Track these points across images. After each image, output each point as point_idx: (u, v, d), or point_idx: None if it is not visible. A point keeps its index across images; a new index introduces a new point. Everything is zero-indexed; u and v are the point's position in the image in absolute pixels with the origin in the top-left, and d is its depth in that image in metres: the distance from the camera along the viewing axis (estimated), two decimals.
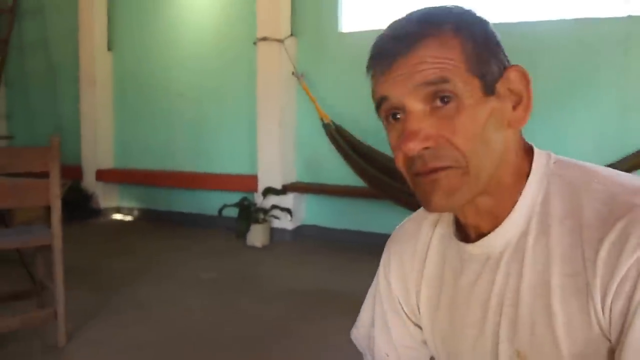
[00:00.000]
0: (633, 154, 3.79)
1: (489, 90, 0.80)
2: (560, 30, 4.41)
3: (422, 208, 0.98)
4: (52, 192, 2.82)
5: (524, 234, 0.83)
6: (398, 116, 0.82)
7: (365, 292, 1.11)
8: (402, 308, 1.03)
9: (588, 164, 0.85)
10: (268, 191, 5.30)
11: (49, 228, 2.88)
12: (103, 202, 6.71)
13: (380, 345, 1.05)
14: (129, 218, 6.68)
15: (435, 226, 0.99)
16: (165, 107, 6.38)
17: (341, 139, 4.90)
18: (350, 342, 1.14)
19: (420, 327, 1.02)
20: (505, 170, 0.83)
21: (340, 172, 5.07)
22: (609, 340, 0.75)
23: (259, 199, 5.39)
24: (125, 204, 6.80)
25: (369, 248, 3.89)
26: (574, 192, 0.80)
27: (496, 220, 0.85)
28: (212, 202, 5.70)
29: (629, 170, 3.65)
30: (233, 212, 5.26)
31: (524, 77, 0.83)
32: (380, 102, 0.83)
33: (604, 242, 0.74)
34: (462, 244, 0.91)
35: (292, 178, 5.53)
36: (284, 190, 5.34)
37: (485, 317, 0.87)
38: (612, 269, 0.72)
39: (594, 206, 0.77)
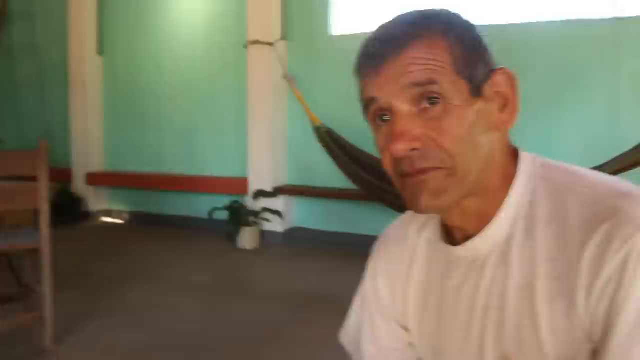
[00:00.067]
0: (622, 155, 3.81)
1: (476, 92, 0.80)
2: (549, 32, 4.45)
3: (409, 211, 0.98)
4: (40, 196, 2.80)
5: (510, 237, 0.83)
6: (385, 118, 0.82)
7: (355, 295, 1.11)
8: (389, 311, 1.03)
9: (574, 167, 0.85)
10: (259, 194, 5.30)
11: (38, 231, 2.86)
12: (93, 205, 6.67)
13: (368, 348, 1.05)
14: (119, 221, 6.65)
15: (422, 229, 0.99)
16: (156, 111, 6.36)
17: (332, 141, 4.91)
18: (340, 345, 1.14)
19: (407, 330, 1.02)
20: (492, 172, 0.83)
21: (331, 175, 5.07)
22: (592, 342, 0.75)
23: (249, 202, 5.39)
24: (116, 207, 6.77)
25: (359, 250, 3.88)
26: (559, 194, 0.81)
27: (482, 223, 0.85)
28: (203, 205, 5.68)
29: (618, 172, 3.67)
30: (224, 215, 5.25)
31: (511, 80, 0.83)
32: (368, 104, 0.83)
33: (588, 244, 0.74)
34: (449, 247, 0.91)
35: (282, 181, 5.52)
36: (275, 193, 5.34)
37: (472, 319, 0.88)
38: (596, 271, 0.73)
39: (579, 209, 0.77)
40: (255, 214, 5.25)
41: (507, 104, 0.83)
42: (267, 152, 5.42)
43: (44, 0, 7.14)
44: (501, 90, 0.83)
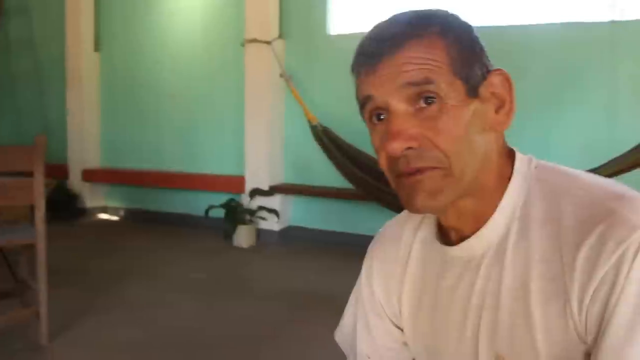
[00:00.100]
0: (620, 156, 3.82)
1: (472, 92, 0.80)
2: (548, 34, 4.46)
3: (404, 211, 0.99)
4: (36, 191, 2.80)
5: (505, 237, 0.83)
6: (382, 117, 0.82)
7: (351, 294, 1.11)
8: (384, 310, 1.03)
9: (569, 169, 0.86)
10: (255, 192, 5.30)
11: (33, 227, 2.86)
12: (89, 202, 6.66)
13: (362, 347, 1.05)
14: (115, 218, 6.64)
15: (418, 229, 0.99)
16: (153, 108, 6.35)
17: (328, 141, 4.90)
18: (335, 343, 1.15)
19: (401, 329, 1.02)
20: (488, 172, 0.84)
21: (328, 174, 5.07)
22: (586, 344, 0.75)
23: (246, 200, 5.39)
24: (112, 203, 6.77)
25: (355, 249, 3.88)
26: (554, 196, 0.81)
27: (477, 223, 0.86)
28: (199, 203, 5.68)
29: (616, 173, 3.67)
30: (220, 213, 5.25)
31: (507, 82, 0.84)
32: (364, 102, 0.83)
33: (582, 246, 0.74)
34: (444, 247, 0.91)
35: (279, 179, 5.52)
36: (271, 191, 5.34)
37: (466, 319, 0.88)
38: (590, 272, 0.73)
39: (574, 210, 0.78)
40: (252, 212, 5.26)
41: (503, 105, 0.84)
42: (264, 150, 5.42)
43: None
44: (497, 91, 0.83)
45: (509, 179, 0.85)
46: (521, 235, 0.82)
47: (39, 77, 7.15)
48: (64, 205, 6.19)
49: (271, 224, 5.35)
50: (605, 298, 0.72)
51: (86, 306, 3.51)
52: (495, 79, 0.83)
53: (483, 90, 0.82)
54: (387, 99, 0.80)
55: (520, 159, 0.87)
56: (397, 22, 0.83)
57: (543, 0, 4.57)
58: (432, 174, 0.79)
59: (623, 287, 0.70)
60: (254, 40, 5.32)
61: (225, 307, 3.60)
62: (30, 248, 2.94)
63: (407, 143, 0.78)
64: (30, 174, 2.79)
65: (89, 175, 6.62)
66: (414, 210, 0.83)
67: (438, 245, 0.93)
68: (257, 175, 5.41)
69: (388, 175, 0.85)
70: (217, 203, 5.29)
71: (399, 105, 0.79)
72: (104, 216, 6.68)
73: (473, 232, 0.86)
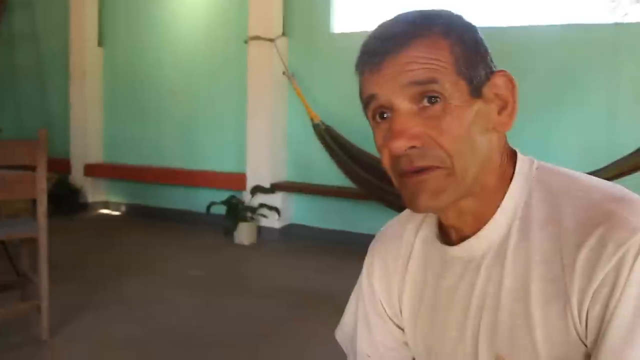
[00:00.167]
0: (621, 159, 3.81)
1: (475, 93, 0.81)
2: (549, 35, 4.46)
3: (406, 210, 0.99)
4: (38, 186, 2.81)
5: (505, 238, 0.84)
6: (385, 116, 0.82)
7: (351, 293, 1.11)
8: (385, 310, 1.03)
9: (569, 171, 0.86)
10: (256, 190, 5.30)
11: (35, 221, 2.87)
12: (91, 197, 6.67)
13: (362, 346, 1.05)
14: (116, 213, 6.65)
15: (419, 228, 0.99)
16: (156, 104, 6.35)
17: (331, 139, 4.91)
18: (336, 342, 1.15)
19: (402, 329, 1.02)
20: (489, 173, 0.84)
21: (329, 173, 5.07)
22: (585, 345, 0.76)
23: (247, 197, 5.39)
24: (113, 198, 6.77)
25: (356, 249, 3.89)
26: (554, 197, 0.81)
27: (478, 223, 0.86)
28: (200, 199, 5.69)
29: (616, 176, 3.67)
30: (221, 210, 5.25)
31: (510, 83, 0.84)
32: (368, 101, 0.83)
33: (582, 248, 0.75)
34: (445, 247, 0.92)
35: (281, 177, 5.53)
36: (273, 189, 5.34)
37: (466, 320, 0.88)
38: (590, 274, 0.73)
39: (574, 212, 0.78)
40: (253, 209, 5.26)
41: (505, 106, 0.84)
42: (266, 148, 5.42)
43: None
44: (500, 92, 0.83)
45: (511, 179, 0.85)
46: (522, 236, 0.82)
47: (41, 72, 7.16)
48: (65, 200, 6.19)
49: (272, 221, 5.35)
50: (606, 300, 0.72)
51: (85, 301, 3.52)
52: (498, 80, 0.83)
53: (486, 91, 0.82)
54: (390, 98, 0.80)
55: (521, 160, 0.87)
56: (401, 21, 0.83)
57: (544, 1, 4.57)
58: (435, 173, 0.80)
59: (623, 289, 0.71)
60: (257, 38, 5.32)
61: (224, 304, 3.61)
62: (32, 241, 2.95)
63: (410, 142, 0.79)
64: (32, 168, 2.79)
65: (91, 170, 6.62)
66: (417, 209, 0.83)
67: (439, 244, 0.93)
68: (259, 172, 5.42)
69: (391, 173, 0.85)
70: (218, 200, 5.29)
71: (402, 104, 0.79)
72: (105, 211, 6.69)
73: (473, 232, 0.87)
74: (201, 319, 3.34)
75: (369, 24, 4.99)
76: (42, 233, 2.85)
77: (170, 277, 4.15)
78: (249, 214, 5.25)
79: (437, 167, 0.79)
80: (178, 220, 6.08)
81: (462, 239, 0.88)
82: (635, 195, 0.78)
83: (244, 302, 3.65)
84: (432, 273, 0.95)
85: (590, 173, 3.58)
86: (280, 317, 3.40)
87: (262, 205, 5.24)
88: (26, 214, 3.82)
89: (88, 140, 6.69)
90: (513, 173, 0.86)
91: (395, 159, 0.81)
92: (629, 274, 0.70)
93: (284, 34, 5.43)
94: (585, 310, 0.74)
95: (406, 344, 1.03)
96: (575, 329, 0.75)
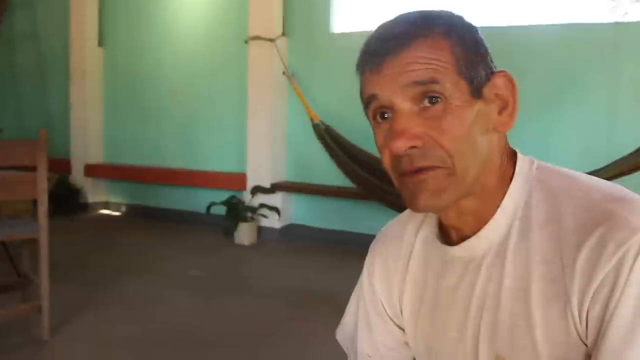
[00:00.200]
0: (621, 159, 3.81)
1: (476, 93, 0.81)
2: (549, 35, 4.46)
3: (406, 210, 0.99)
4: (39, 186, 2.81)
5: (506, 239, 0.84)
6: (386, 116, 0.82)
7: (351, 293, 1.11)
8: (385, 310, 1.03)
9: (569, 171, 0.86)
10: (256, 190, 5.31)
11: (36, 222, 2.87)
12: (91, 197, 6.68)
13: (363, 346, 1.05)
14: (116, 213, 6.65)
15: (419, 228, 0.99)
16: (156, 104, 6.36)
17: (330, 139, 4.91)
18: (336, 342, 1.15)
19: (402, 329, 1.02)
20: (490, 173, 0.84)
21: (329, 173, 5.08)
22: (586, 345, 0.76)
23: (247, 198, 5.39)
24: (114, 199, 6.78)
25: (356, 249, 3.89)
26: (555, 198, 0.81)
27: (478, 223, 0.86)
28: (200, 200, 5.69)
29: (617, 176, 3.67)
30: (221, 210, 5.25)
31: (511, 83, 0.84)
32: (369, 101, 0.84)
33: (582, 247, 0.75)
34: (445, 247, 0.92)
35: (281, 177, 5.53)
36: (273, 189, 5.34)
37: (466, 320, 0.88)
38: (590, 274, 0.73)
39: (574, 212, 0.78)
40: (253, 209, 5.26)
41: (506, 106, 0.84)
42: (266, 148, 5.43)
43: None
44: (501, 92, 0.84)
45: (511, 179, 0.85)
46: (522, 236, 0.82)
47: (42, 72, 7.17)
48: (65, 200, 6.20)
49: (272, 221, 5.35)
50: (606, 300, 0.72)
51: (86, 301, 3.52)
52: (499, 81, 0.84)
53: (487, 91, 0.82)
54: (391, 98, 0.80)
55: (521, 160, 0.87)
56: (402, 21, 0.83)
57: (544, 1, 4.57)
58: (436, 173, 0.80)
59: (623, 290, 0.71)
60: (257, 38, 5.32)
61: (225, 305, 3.61)
62: (32, 242, 2.95)
63: (411, 142, 0.79)
64: (32, 169, 2.79)
65: (91, 171, 6.63)
66: (417, 209, 0.83)
67: (439, 244, 0.94)
68: (259, 172, 5.42)
69: (391, 173, 0.85)
70: (218, 200, 5.29)
71: (403, 104, 0.79)
72: (105, 211, 6.70)
73: (473, 232, 0.87)
74: (201, 319, 3.34)
75: (369, 24, 5.00)
76: (42, 233, 2.85)
77: (171, 277, 4.16)
78: (249, 214, 5.26)
79: (438, 167, 0.79)
80: (178, 220, 6.08)
81: (462, 239, 0.88)
82: (635, 195, 0.78)
83: (244, 302, 3.65)
84: (433, 273, 0.95)
85: (590, 173, 3.57)
86: (281, 317, 3.40)
87: (262, 206, 5.24)
88: (27, 215, 3.83)
89: (88, 140, 6.69)
90: (513, 173, 0.86)
91: (396, 158, 0.81)
92: (629, 274, 0.71)
93: (284, 34, 5.43)
94: (586, 310, 0.74)
95: (407, 344, 1.03)
96: (576, 329, 0.76)
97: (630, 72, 4.23)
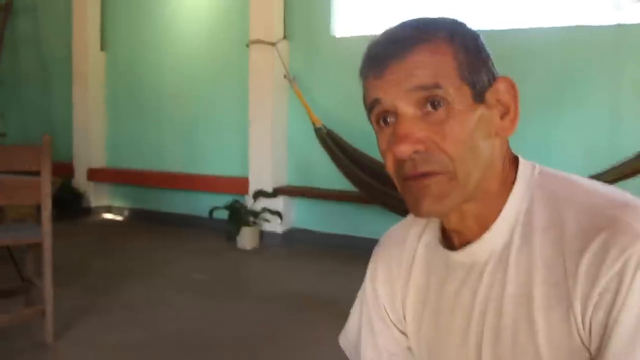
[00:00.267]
0: (623, 162, 3.81)
1: (478, 98, 0.81)
2: (550, 37, 4.45)
3: (409, 215, 0.99)
4: (43, 191, 2.82)
5: (508, 244, 0.84)
6: (389, 120, 0.83)
7: (353, 298, 1.11)
8: (388, 315, 1.03)
9: (571, 176, 0.86)
10: (259, 194, 5.31)
11: (40, 226, 2.88)
12: (94, 201, 6.69)
13: (366, 351, 1.05)
14: (119, 217, 6.66)
15: (422, 233, 0.99)
16: (158, 108, 6.37)
17: (332, 143, 4.91)
18: (339, 347, 1.15)
19: (405, 334, 1.02)
20: (492, 178, 0.85)
21: (331, 176, 5.08)
22: (589, 351, 0.76)
23: (249, 202, 5.40)
24: (116, 203, 6.79)
25: (358, 253, 3.90)
26: (557, 203, 0.82)
27: (480, 228, 0.86)
28: (203, 204, 5.69)
29: (618, 179, 3.67)
30: (224, 214, 5.26)
31: (513, 89, 0.85)
32: (372, 106, 0.84)
33: (585, 253, 0.75)
34: (448, 252, 0.92)
35: (283, 181, 5.53)
36: (275, 193, 5.35)
37: (469, 325, 0.88)
38: (593, 280, 0.74)
39: (577, 217, 0.78)
40: (255, 214, 5.27)
41: (508, 111, 0.85)
42: (268, 152, 5.43)
43: None
44: (503, 98, 0.84)
45: (513, 184, 0.86)
46: (524, 241, 0.83)
47: (45, 76, 7.19)
48: (69, 204, 6.21)
49: (274, 225, 5.36)
50: (609, 306, 0.72)
51: (89, 305, 3.53)
52: (501, 86, 0.84)
53: (489, 97, 0.83)
54: (395, 102, 0.80)
55: (523, 165, 0.88)
56: (405, 27, 0.84)
57: (545, 3, 4.57)
58: (438, 178, 0.80)
59: (626, 296, 0.71)
60: (259, 41, 5.33)
61: (227, 308, 3.61)
62: (36, 246, 2.96)
63: (414, 146, 0.79)
64: (35, 173, 2.81)
65: (94, 175, 6.64)
66: (420, 214, 0.84)
67: (441, 249, 0.94)
68: (261, 176, 5.42)
69: (394, 178, 0.85)
70: (220, 204, 5.30)
71: (407, 108, 0.80)
72: (108, 216, 6.70)
73: (475, 236, 0.87)
74: (203, 323, 3.34)
75: (370, 27, 5.02)
76: (46, 238, 2.86)
77: (173, 281, 4.16)
78: (251, 219, 5.26)
79: (440, 173, 0.80)
80: (181, 224, 6.08)
81: (465, 243, 0.89)
82: (638, 201, 0.78)
83: (246, 306, 3.65)
84: (436, 278, 0.95)
85: (593, 176, 3.57)
86: (283, 321, 3.40)
87: (264, 210, 5.25)
88: (31, 218, 3.84)
89: (91, 144, 6.71)
90: (515, 178, 0.86)
91: (399, 163, 0.82)
92: (631, 282, 0.71)
93: (285, 37, 5.44)
94: (589, 315, 0.74)
95: (410, 349, 1.03)
96: (579, 334, 0.76)
97: (632, 74, 4.22)
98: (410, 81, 0.79)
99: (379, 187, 4.43)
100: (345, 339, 1.12)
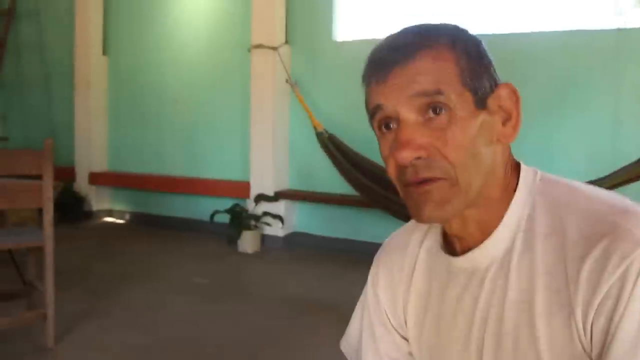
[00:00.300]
0: (625, 167, 3.80)
1: (480, 104, 0.82)
2: (551, 41, 4.46)
3: (411, 220, 1.00)
4: (44, 195, 2.83)
5: (509, 250, 0.84)
6: (391, 126, 0.83)
7: (355, 302, 1.11)
8: (389, 320, 1.03)
9: (573, 182, 0.86)
10: (260, 198, 5.32)
11: (41, 230, 2.88)
12: (95, 205, 6.69)
13: (367, 356, 1.05)
14: (120, 221, 6.66)
15: (424, 239, 1.00)
16: (160, 112, 6.38)
17: (334, 147, 4.91)
18: (340, 352, 1.15)
19: (406, 339, 1.03)
20: (493, 184, 0.85)
21: (333, 181, 5.08)
22: (590, 358, 0.76)
23: (250, 206, 5.40)
24: (118, 207, 6.79)
25: (360, 257, 3.91)
26: (558, 209, 0.82)
27: (482, 234, 0.86)
28: (204, 208, 5.70)
29: (621, 183, 3.66)
30: (225, 218, 5.26)
31: (515, 95, 0.85)
32: (374, 112, 0.84)
33: (587, 259, 0.75)
34: (449, 257, 0.92)
35: (284, 185, 5.54)
36: (276, 197, 5.35)
37: (470, 331, 0.89)
38: (594, 286, 0.74)
39: (578, 224, 0.78)
40: (256, 217, 5.27)
41: (509, 118, 0.85)
42: (269, 156, 5.43)
43: None
44: (504, 104, 0.84)
45: (514, 191, 0.86)
46: (526, 248, 0.83)
47: (47, 80, 7.21)
48: (70, 208, 6.22)
49: (276, 229, 5.36)
50: (610, 313, 0.72)
51: (90, 308, 3.53)
52: (502, 92, 0.84)
53: (491, 103, 0.83)
54: (397, 108, 0.81)
55: (525, 172, 0.88)
56: (407, 33, 0.84)
57: (546, 8, 4.58)
58: (440, 184, 0.80)
59: (627, 304, 0.71)
60: (260, 46, 5.35)
61: (228, 312, 3.61)
62: (38, 250, 2.96)
63: (416, 152, 0.79)
64: (37, 177, 2.81)
65: (96, 179, 6.65)
66: (422, 220, 0.84)
67: (443, 255, 0.94)
68: (262, 180, 5.43)
69: (396, 183, 0.86)
70: (222, 208, 5.30)
71: (409, 114, 0.80)
72: (109, 219, 6.71)
73: (476, 242, 0.87)
74: (204, 327, 3.34)
75: (372, 32, 5.03)
76: (48, 242, 2.87)
77: (174, 284, 4.16)
78: (252, 222, 5.26)
79: (442, 179, 0.80)
80: (182, 228, 6.09)
81: (466, 249, 0.89)
82: (639, 207, 0.79)
83: (247, 310, 3.65)
84: (437, 283, 0.95)
85: (595, 180, 3.56)
86: (284, 325, 3.40)
87: (265, 214, 5.25)
88: (32, 222, 3.85)
89: (92, 148, 6.71)
90: (517, 185, 0.86)
91: (401, 169, 0.82)
92: (632, 288, 0.71)
93: (286, 42, 5.46)
94: (590, 322, 0.74)
95: (411, 354, 1.03)
96: (580, 340, 0.76)
97: (634, 78, 4.22)
98: (412, 87, 0.79)
99: (380, 191, 4.43)
100: (347, 344, 1.12)
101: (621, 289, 0.71)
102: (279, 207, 5.35)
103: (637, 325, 0.71)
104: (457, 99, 0.80)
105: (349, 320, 1.12)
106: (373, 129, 0.87)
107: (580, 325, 0.75)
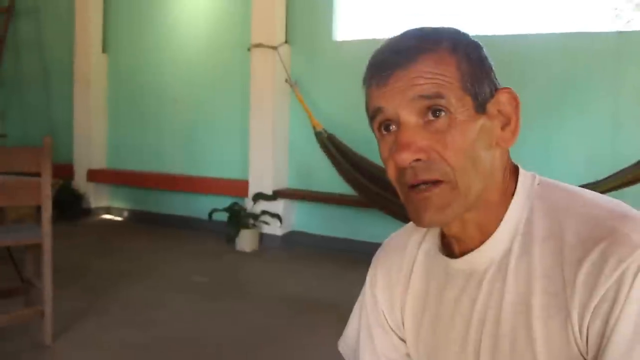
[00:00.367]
0: (624, 170, 3.80)
1: (480, 108, 0.82)
2: (550, 44, 4.46)
3: (411, 222, 1.00)
4: (43, 192, 2.82)
5: (507, 253, 0.85)
6: (391, 128, 0.84)
7: (353, 302, 1.12)
8: (387, 321, 1.04)
9: (571, 186, 0.87)
10: (258, 196, 5.32)
11: (40, 227, 2.89)
12: (94, 202, 6.69)
13: (365, 357, 1.06)
14: (119, 219, 6.66)
15: (422, 240, 1.00)
16: (159, 111, 6.38)
17: (333, 147, 4.91)
18: (337, 352, 1.15)
19: (404, 340, 1.03)
20: (492, 188, 0.85)
21: (332, 180, 5.08)
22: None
23: (249, 204, 5.40)
24: (116, 204, 6.79)
25: (358, 256, 3.91)
26: (556, 213, 0.82)
27: (480, 236, 0.87)
28: (202, 206, 5.70)
29: (620, 186, 3.67)
30: (223, 217, 5.26)
31: (514, 100, 0.86)
32: (374, 114, 0.85)
33: (583, 263, 0.76)
34: (447, 259, 0.93)
35: (283, 184, 5.54)
36: (275, 196, 5.35)
37: (467, 333, 0.89)
38: (591, 289, 0.74)
39: (576, 228, 0.79)
40: (255, 216, 5.27)
41: (509, 122, 0.85)
42: (268, 155, 5.43)
43: None
44: (504, 109, 0.85)
45: (513, 195, 0.87)
46: (524, 251, 0.83)
47: (46, 78, 7.20)
48: (68, 205, 6.21)
49: (274, 228, 5.36)
50: (606, 315, 0.73)
51: (88, 306, 3.53)
52: (502, 97, 0.85)
53: (490, 107, 0.84)
54: (397, 111, 0.81)
55: (523, 176, 0.88)
56: (409, 36, 0.85)
57: (546, 10, 4.58)
58: (440, 189, 0.81)
59: (623, 307, 0.72)
60: (260, 45, 5.34)
61: (226, 311, 3.61)
62: (36, 247, 2.96)
63: (416, 155, 0.80)
64: (36, 174, 2.81)
65: (94, 176, 6.64)
66: (422, 225, 0.85)
67: (441, 257, 0.95)
68: (261, 179, 5.43)
69: (396, 185, 0.86)
70: (220, 207, 5.30)
71: (409, 117, 0.81)
72: (107, 217, 6.71)
73: (475, 245, 0.88)
74: (202, 325, 3.34)
75: (372, 31, 5.03)
76: (46, 239, 2.87)
77: (172, 282, 4.16)
78: (251, 221, 5.27)
79: (441, 182, 0.81)
80: (180, 226, 6.09)
81: (464, 251, 0.89)
82: (636, 212, 0.79)
83: (246, 309, 3.65)
84: (435, 285, 0.96)
85: (594, 183, 3.55)
86: (282, 324, 3.40)
87: (264, 212, 5.25)
88: (30, 219, 3.85)
89: (91, 146, 6.71)
90: (515, 189, 0.87)
91: (401, 171, 0.83)
92: (629, 291, 0.71)
93: (286, 41, 5.46)
94: (586, 325, 0.75)
95: (408, 355, 1.04)
96: (576, 343, 0.76)
97: (633, 80, 4.22)
98: (413, 90, 0.80)
99: (379, 191, 4.44)
100: (345, 345, 1.13)
101: (617, 292, 0.72)
102: (278, 206, 5.35)
103: (633, 329, 0.71)
104: (458, 103, 0.80)
105: (347, 320, 1.12)
106: (373, 130, 0.88)
107: (577, 328, 0.76)
